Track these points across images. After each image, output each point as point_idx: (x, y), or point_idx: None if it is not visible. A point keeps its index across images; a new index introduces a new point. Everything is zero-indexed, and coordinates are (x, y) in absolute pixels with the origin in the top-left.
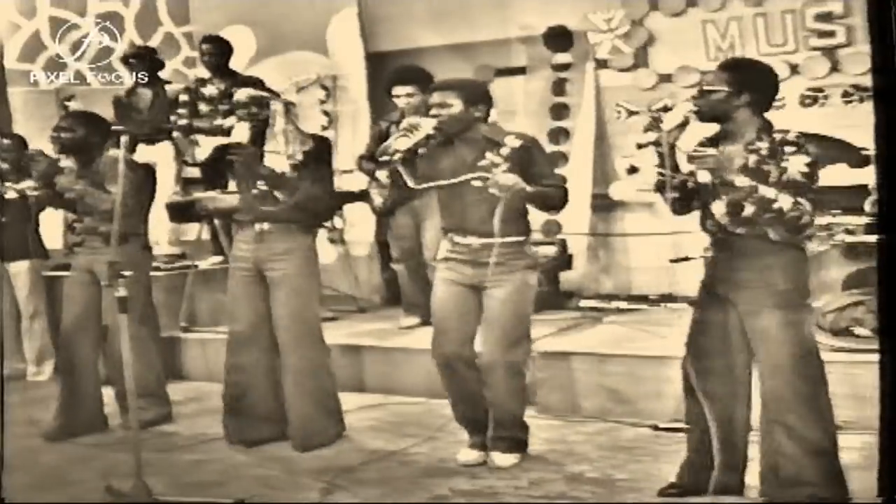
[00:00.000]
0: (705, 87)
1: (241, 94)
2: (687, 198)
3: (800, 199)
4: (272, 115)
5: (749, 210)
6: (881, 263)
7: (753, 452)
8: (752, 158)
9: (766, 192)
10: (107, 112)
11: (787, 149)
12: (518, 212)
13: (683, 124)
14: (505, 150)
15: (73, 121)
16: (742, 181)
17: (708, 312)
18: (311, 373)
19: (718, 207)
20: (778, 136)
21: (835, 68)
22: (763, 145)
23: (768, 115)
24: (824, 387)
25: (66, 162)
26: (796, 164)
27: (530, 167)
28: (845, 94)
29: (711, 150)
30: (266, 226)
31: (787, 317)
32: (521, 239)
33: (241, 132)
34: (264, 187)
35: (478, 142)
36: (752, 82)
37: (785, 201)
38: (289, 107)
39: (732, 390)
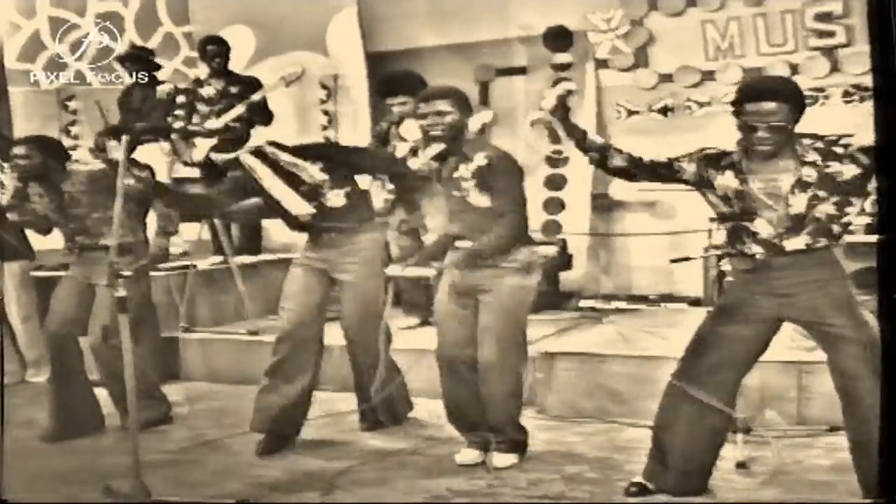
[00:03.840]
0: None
1: None
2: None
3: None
4: None
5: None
6: (881, 263)
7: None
8: (807, 169)
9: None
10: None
11: (850, 148)
12: None
13: None
14: (472, 166)
15: (28, 147)
16: (798, 197)
17: (731, 327)
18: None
19: (763, 225)
20: (815, 142)
21: (835, 68)
22: (816, 157)
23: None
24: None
25: (34, 188)
26: (861, 161)
27: (491, 186)
28: (845, 94)
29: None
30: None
31: (858, 317)
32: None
33: None
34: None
35: (459, 151)
36: (802, 105)
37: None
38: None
39: (724, 401)
